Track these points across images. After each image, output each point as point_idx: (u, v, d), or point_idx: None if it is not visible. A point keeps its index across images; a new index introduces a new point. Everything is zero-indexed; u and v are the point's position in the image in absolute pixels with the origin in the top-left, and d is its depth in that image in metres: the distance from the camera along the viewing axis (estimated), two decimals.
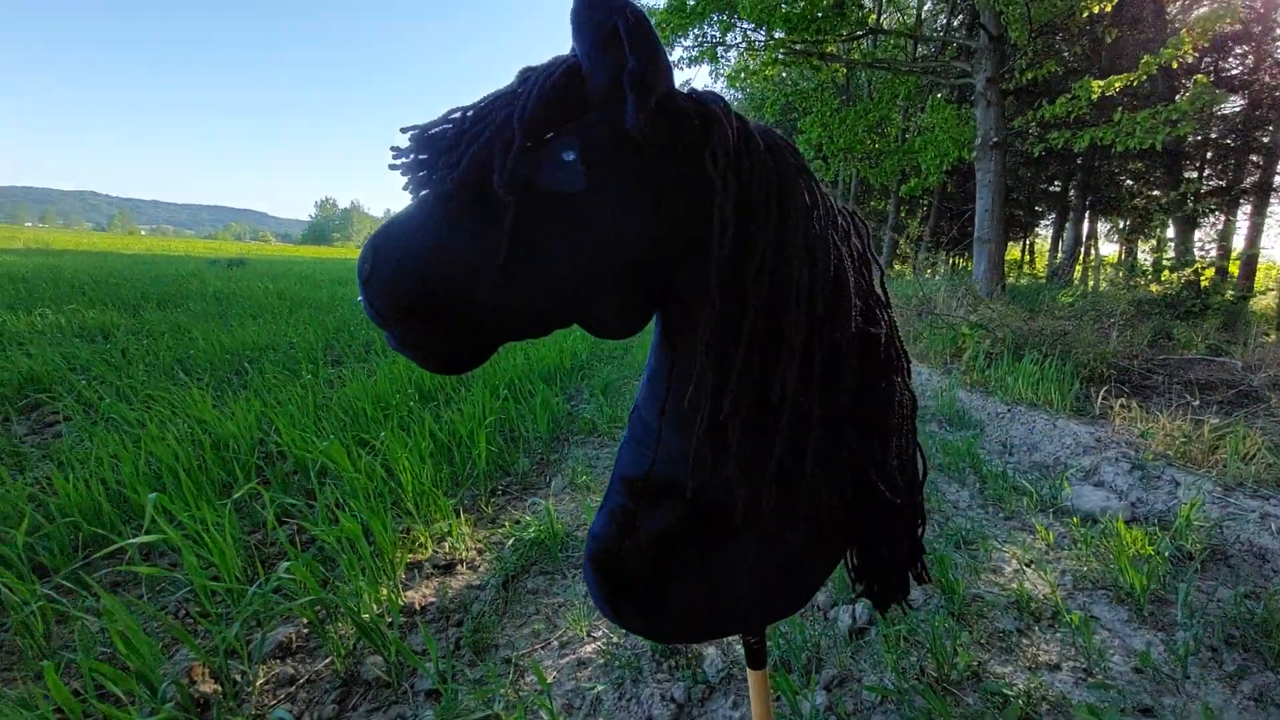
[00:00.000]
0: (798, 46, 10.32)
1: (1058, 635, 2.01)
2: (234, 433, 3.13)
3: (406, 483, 2.62)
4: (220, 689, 1.72)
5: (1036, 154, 8.81)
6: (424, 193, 0.60)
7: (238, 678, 1.77)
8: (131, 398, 3.80)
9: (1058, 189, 19.99)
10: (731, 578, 0.73)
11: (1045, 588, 2.28)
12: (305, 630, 1.97)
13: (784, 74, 15.70)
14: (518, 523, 2.70)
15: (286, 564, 1.79)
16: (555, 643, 1.98)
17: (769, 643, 1.88)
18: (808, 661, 1.87)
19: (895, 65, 11.56)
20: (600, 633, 2.02)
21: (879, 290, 0.72)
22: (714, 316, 0.61)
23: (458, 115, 0.61)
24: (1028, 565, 2.47)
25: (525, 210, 0.59)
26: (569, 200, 0.59)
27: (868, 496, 0.71)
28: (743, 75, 12.19)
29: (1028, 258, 29.54)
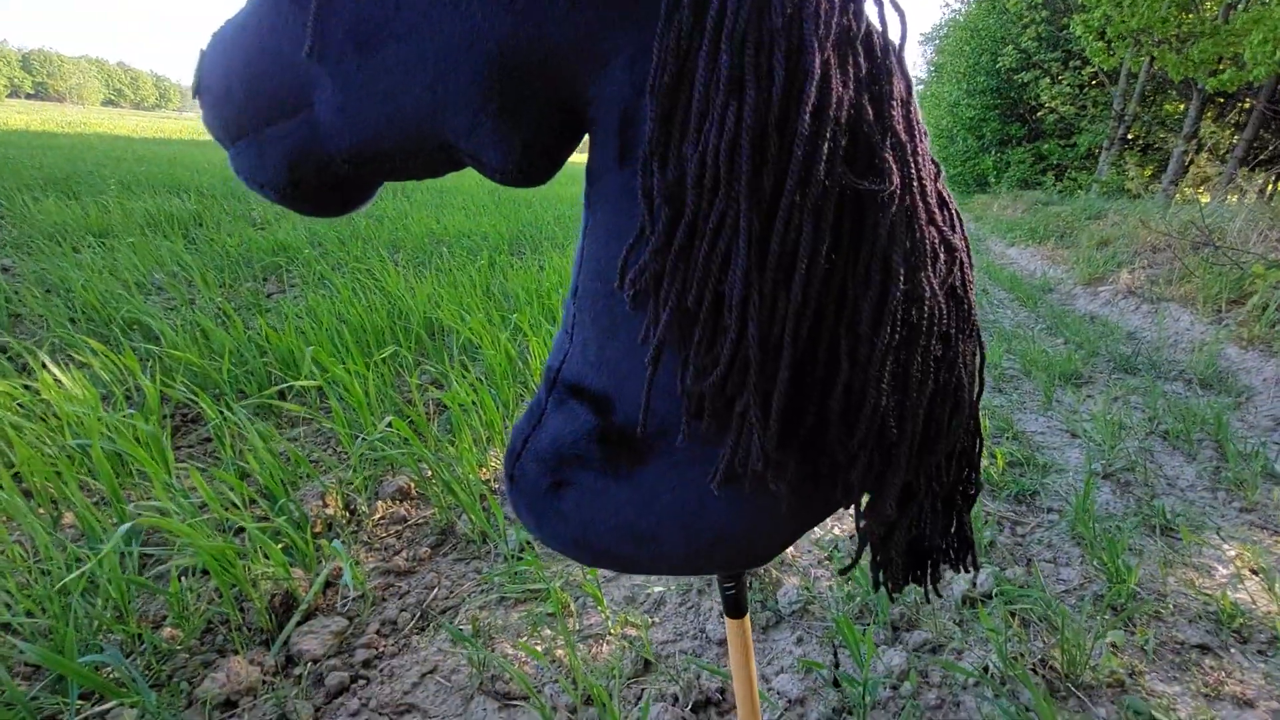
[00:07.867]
0: None
1: (1263, 666, 1.52)
2: (411, 306, 3.50)
3: (534, 366, 2.73)
4: (346, 514, 1.99)
5: None
6: None
7: (364, 509, 2.03)
8: (343, 268, 4.43)
9: None
10: (640, 511, 0.55)
11: (1271, 606, 1.72)
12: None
13: None
14: None
15: (389, 418, 1.96)
16: None
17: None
18: (899, 618, 1.63)
19: None
20: None
21: (912, 115, 0.44)
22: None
23: None
24: (1254, 572, 1.88)
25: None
26: None
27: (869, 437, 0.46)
28: None
29: None
